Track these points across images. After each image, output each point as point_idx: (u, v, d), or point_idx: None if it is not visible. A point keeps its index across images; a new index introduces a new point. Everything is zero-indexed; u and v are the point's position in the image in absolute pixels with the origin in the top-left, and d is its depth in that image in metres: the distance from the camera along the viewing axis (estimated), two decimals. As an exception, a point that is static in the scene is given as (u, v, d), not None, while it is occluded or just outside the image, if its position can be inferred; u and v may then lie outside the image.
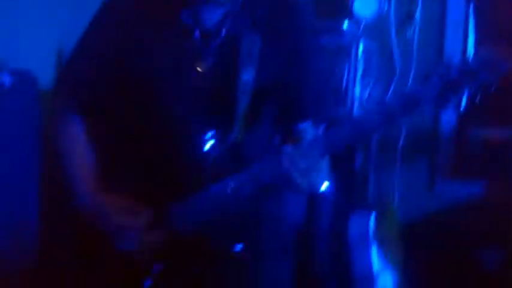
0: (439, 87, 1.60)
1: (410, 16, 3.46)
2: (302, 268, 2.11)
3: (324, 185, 1.71)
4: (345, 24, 3.19)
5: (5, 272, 2.18)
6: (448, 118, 3.43)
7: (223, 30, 1.84)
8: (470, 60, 1.60)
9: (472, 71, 1.58)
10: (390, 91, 3.43)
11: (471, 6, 3.42)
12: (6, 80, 2.35)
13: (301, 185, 1.68)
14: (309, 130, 1.91)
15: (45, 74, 2.61)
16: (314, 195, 2.87)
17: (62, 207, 2.18)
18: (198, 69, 1.83)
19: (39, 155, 2.44)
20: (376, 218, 3.08)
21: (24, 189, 2.37)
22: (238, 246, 1.81)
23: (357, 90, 3.15)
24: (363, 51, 3.16)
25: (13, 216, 2.27)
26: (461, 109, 1.60)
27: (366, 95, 3.24)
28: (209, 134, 1.81)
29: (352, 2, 3.23)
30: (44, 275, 2.27)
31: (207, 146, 1.81)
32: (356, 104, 3.13)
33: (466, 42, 3.43)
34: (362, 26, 3.35)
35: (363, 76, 3.18)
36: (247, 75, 1.81)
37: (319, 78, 1.98)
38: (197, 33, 1.83)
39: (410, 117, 1.64)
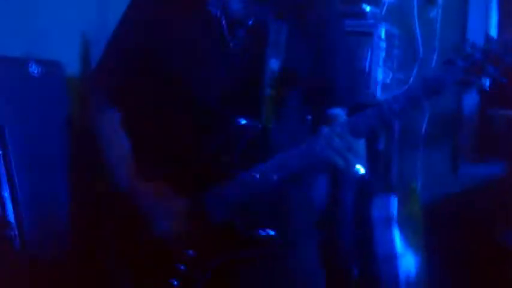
0: (462, 70, 1.60)
1: (432, -3, 3.44)
2: (327, 249, 2.13)
3: (361, 167, 1.73)
4: (367, 7, 3.19)
5: (37, 263, 2.22)
6: (471, 100, 3.42)
7: (250, 20, 1.87)
8: (494, 43, 1.60)
9: (497, 53, 1.57)
10: (413, 74, 3.43)
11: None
12: (35, 69, 2.39)
13: (338, 165, 1.70)
14: (340, 115, 1.94)
15: (72, 62, 2.66)
16: (347, 176, 2.90)
17: (93, 194, 2.23)
18: (226, 57, 1.86)
19: (68, 143, 2.49)
20: (399, 200, 3.10)
21: (54, 177, 2.41)
22: (270, 233, 1.83)
23: (380, 73, 3.14)
24: (386, 34, 3.15)
25: (43, 205, 2.31)
26: (484, 92, 1.59)
27: (389, 78, 3.23)
28: (239, 121, 1.83)
29: (374, -15, 3.23)
30: (75, 264, 2.32)
31: (237, 133, 1.83)
32: (379, 87, 3.13)
33: (488, 23, 3.41)
34: (384, 8, 3.34)
35: (386, 59, 3.17)
36: (275, 64, 1.83)
37: (347, 63, 2.00)
38: (224, 22, 1.86)
39: (433, 100, 1.66)
